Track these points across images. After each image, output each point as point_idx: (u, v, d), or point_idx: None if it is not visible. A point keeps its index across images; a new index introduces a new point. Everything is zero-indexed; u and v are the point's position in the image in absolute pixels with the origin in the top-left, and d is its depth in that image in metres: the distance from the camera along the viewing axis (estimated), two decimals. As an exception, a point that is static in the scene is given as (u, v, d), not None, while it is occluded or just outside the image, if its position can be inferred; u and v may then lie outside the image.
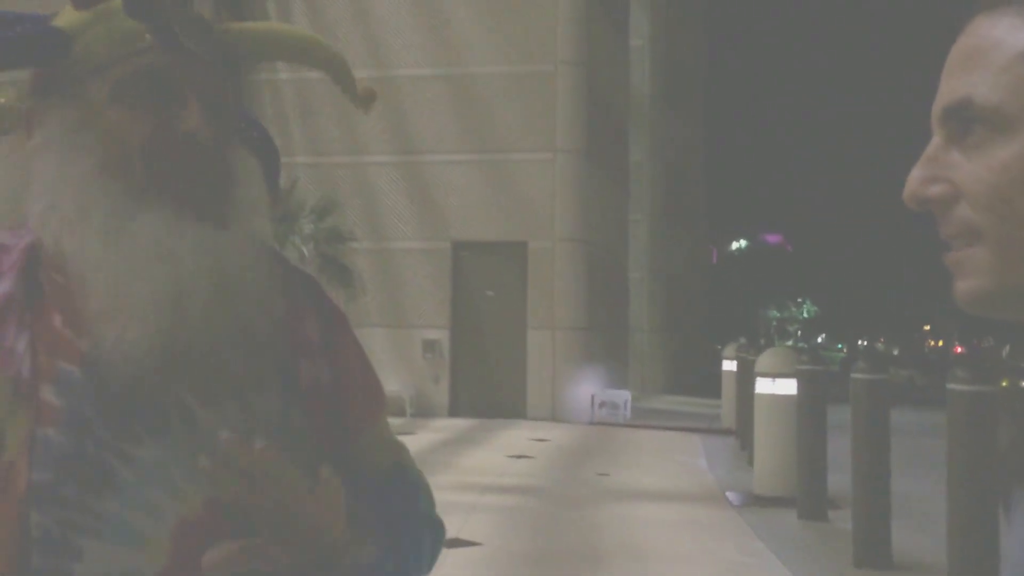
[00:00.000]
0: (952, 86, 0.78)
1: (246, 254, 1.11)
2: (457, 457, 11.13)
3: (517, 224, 16.03)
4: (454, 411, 15.90)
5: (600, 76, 17.65)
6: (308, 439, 1.14)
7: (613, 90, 19.45)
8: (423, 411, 15.62)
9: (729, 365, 14.77)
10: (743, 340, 20.03)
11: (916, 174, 0.78)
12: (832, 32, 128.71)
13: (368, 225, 16.09)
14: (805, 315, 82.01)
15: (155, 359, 1.05)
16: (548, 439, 13.12)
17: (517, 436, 13.28)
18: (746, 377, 11.41)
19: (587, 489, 9.43)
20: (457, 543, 6.79)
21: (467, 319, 16.14)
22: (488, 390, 15.93)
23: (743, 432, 12.02)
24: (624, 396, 16.27)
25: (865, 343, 79.64)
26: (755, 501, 9.06)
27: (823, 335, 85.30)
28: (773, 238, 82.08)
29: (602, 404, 15.94)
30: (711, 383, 18.80)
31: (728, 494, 9.42)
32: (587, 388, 16.15)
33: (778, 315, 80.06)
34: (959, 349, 68.30)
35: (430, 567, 1.24)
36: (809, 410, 8.44)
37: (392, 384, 15.21)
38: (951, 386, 5.69)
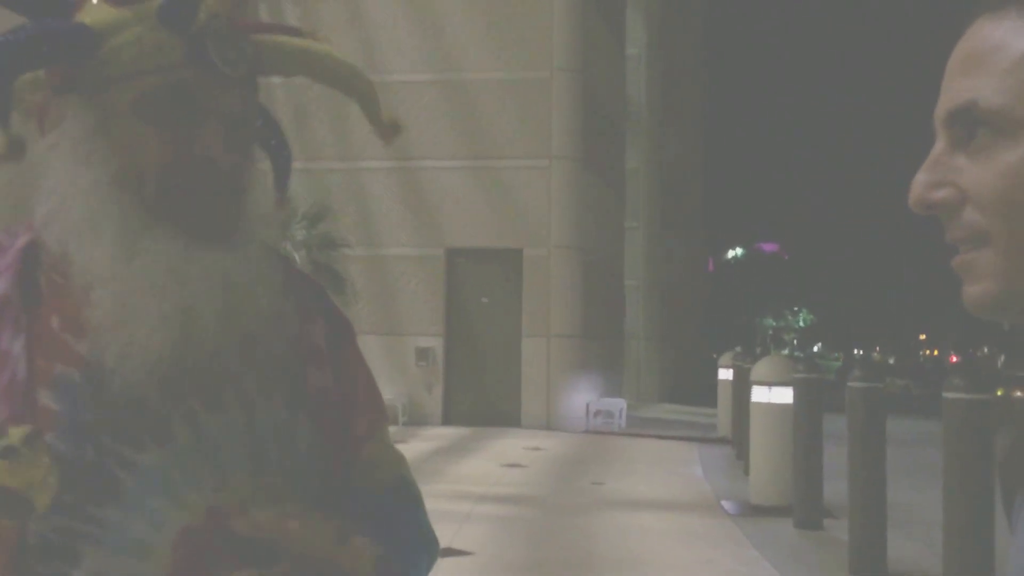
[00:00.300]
0: (955, 90, 0.77)
1: (255, 268, 1.10)
2: (450, 466, 11.10)
3: (512, 231, 16.02)
4: (447, 420, 15.84)
5: (596, 83, 17.67)
6: (316, 449, 1.13)
7: (609, 97, 19.48)
8: (416, 420, 15.54)
9: (725, 374, 14.76)
10: (739, 349, 20.03)
11: (921, 178, 0.78)
12: (830, 40, 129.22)
13: (361, 231, 15.99)
14: (801, 324, 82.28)
15: (162, 370, 1.04)
16: (542, 448, 13.09)
17: (511, 445, 13.25)
18: (742, 386, 11.41)
19: (582, 498, 9.41)
20: (450, 552, 6.77)
21: (461, 327, 16.11)
22: (482, 398, 15.89)
23: (739, 441, 12.01)
24: (619, 405, 16.27)
25: (861, 352, 79.86)
26: (751, 510, 9.04)
27: (819, 344, 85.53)
28: (769, 246, 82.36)
29: (597, 413, 15.93)
30: (707, 392, 18.80)
31: (724, 503, 9.40)
32: (582, 397, 16.14)
33: (774, 324, 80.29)
34: (955, 358, 68.46)
35: None
36: (805, 419, 8.42)
37: (385, 392, 15.04)
38: (947, 395, 5.69)
